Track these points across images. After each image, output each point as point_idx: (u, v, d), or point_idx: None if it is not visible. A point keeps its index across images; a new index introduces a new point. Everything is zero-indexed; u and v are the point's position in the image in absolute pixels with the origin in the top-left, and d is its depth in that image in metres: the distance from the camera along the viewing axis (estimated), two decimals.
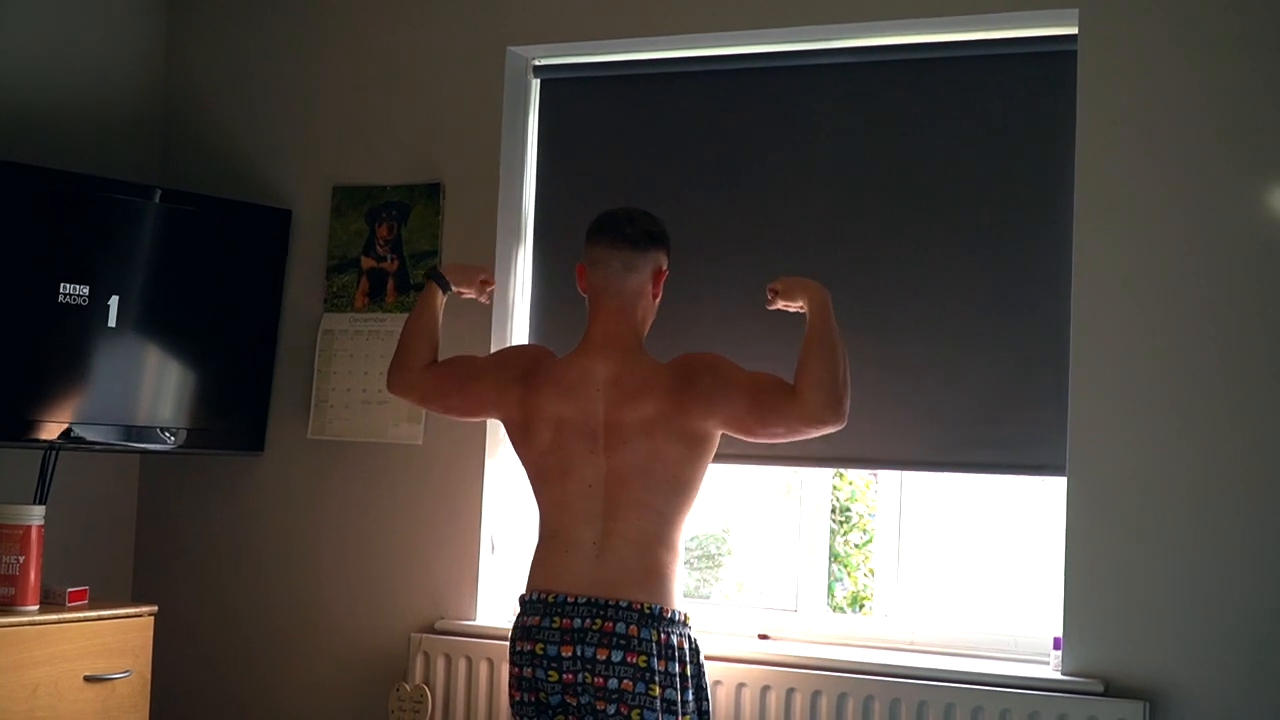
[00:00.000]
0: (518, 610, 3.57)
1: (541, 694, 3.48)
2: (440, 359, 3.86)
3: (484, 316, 4.33)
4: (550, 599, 3.49)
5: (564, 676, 3.44)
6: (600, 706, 3.41)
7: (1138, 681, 3.65)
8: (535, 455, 3.62)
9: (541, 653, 3.46)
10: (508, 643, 3.58)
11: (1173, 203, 3.74)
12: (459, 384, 3.78)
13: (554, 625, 3.46)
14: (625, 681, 3.40)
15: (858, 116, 4.16)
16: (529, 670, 3.48)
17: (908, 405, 4.02)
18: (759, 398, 3.54)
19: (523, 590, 3.59)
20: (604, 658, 3.41)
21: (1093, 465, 3.76)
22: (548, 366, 3.67)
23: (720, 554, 5.10)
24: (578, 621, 3.44)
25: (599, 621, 3.43)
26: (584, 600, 3.46)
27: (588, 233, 3.67)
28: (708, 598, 4.88)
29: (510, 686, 3.55)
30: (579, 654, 3.43)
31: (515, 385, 3.66)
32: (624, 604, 3.44)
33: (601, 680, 3.41)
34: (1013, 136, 4.00)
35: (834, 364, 3.52)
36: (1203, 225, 3.72)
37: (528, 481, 3.67)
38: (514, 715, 3.55)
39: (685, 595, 3.64)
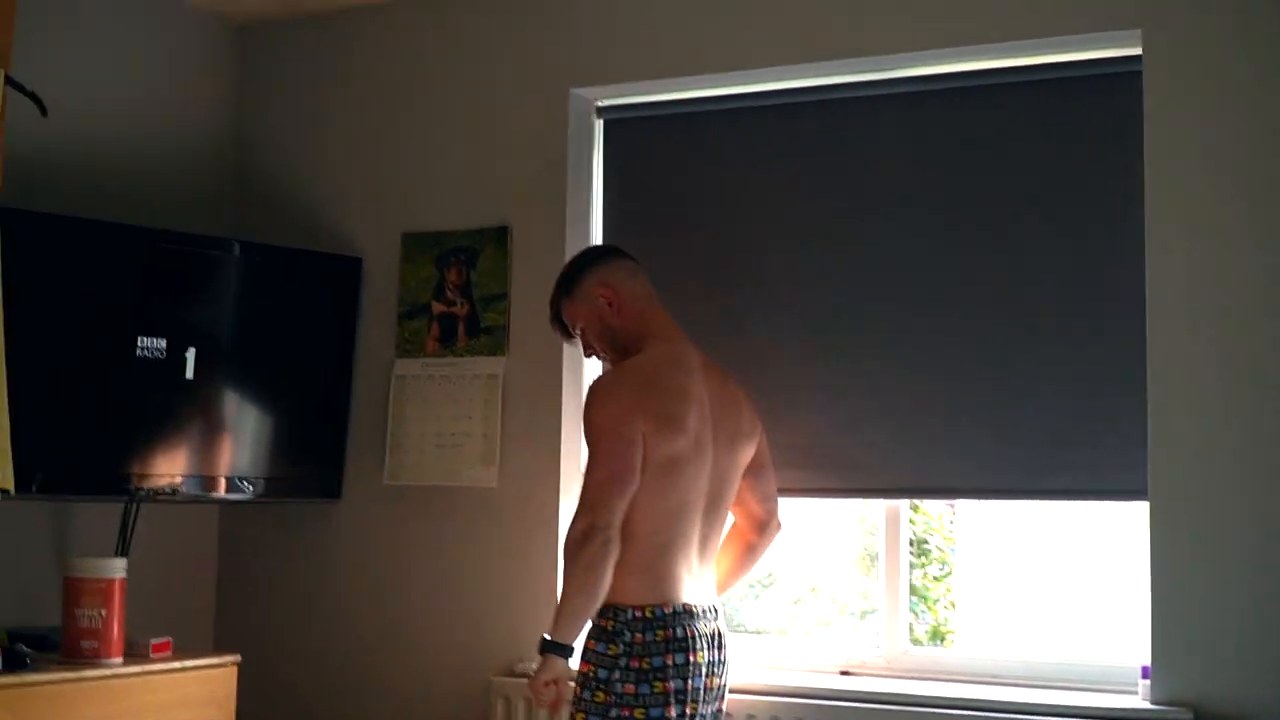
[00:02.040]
0: (645, 621, 3.55)
1: (694, 704, 3.58)
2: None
3: (555, 357, 4.33)
4: (694, 609, 3.62)
5: (707, 680, 3.62)
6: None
7: (1227, 709, 3.58)
8: (667, 463, 3.61)
9: (702, 660, 3.58)
10: (621, 659, 3.54)
11: (1245, 219, 3.70)
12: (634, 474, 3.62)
13: (704, 632, 3.61)
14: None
15: (921, 145, 4.15)
16: (689, 682, 3.56)
17: (984, 433, 3.99)
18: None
19: (643, 602, 3.57)
20: (723, 659, 3.68)
21: (1174, 488, 3.71)
22: (650, 380, 3.68)
23: (794, 589, 5.08)
24: (710, 626, 3.66)
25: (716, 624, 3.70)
26: (709, 606, 3.69)
27: (603, 257, 3.88)
28: (786, 633, 4.85)
29: (667, 704, 3.53)
30: (717, 658, 3.65)
31: (646, 421, 3.60)
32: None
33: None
34: (1080, 159, 3.96)
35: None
36: (1276, 241, 3.67)
37: (641, 491, 3.58)
38: None
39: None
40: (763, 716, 3.93)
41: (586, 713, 3.53)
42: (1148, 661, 3.71)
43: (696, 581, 3.69)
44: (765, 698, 3.93)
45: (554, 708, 3.57)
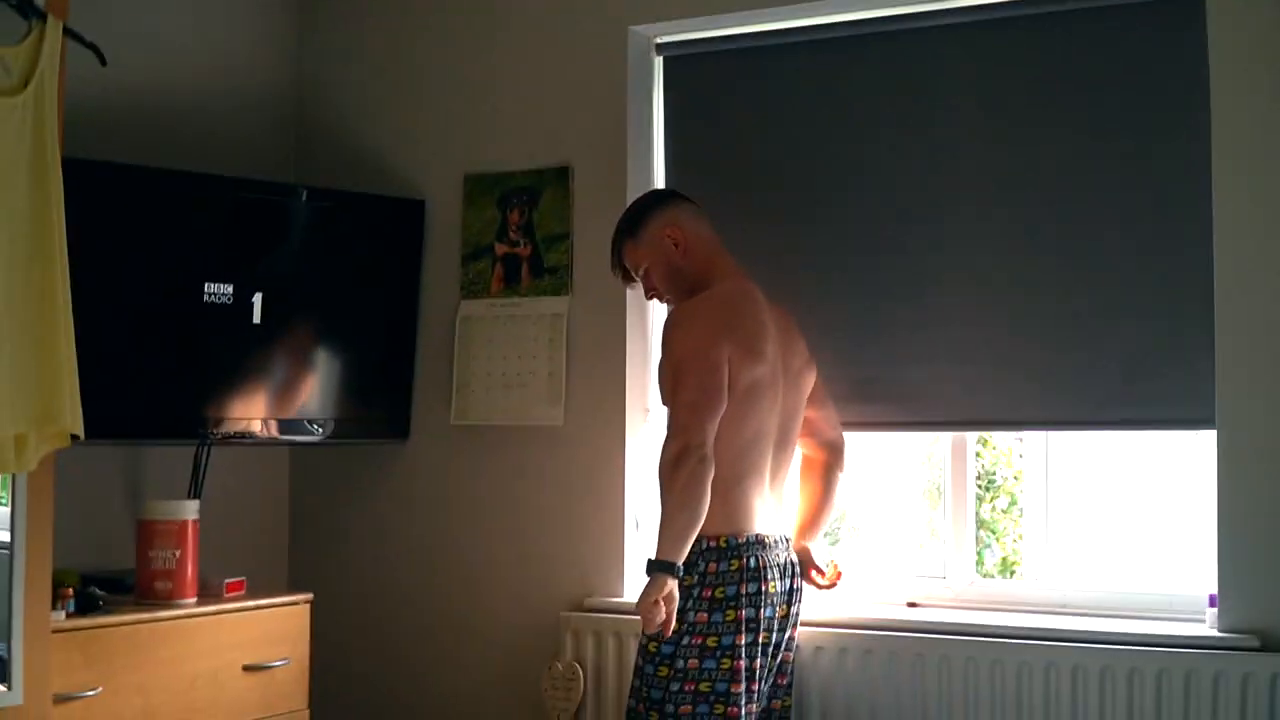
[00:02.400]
0: (719, 551, 3.61)
1: (767, 633, 3.65)
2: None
3: (618, 295, 4.34)
4: (766, 539, 3.69)
5: (780, 609, 3.72)
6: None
7: None
8: (746, 392, 3.67)
9: (774, 590, 3.66)
10: (695, 588, 3.60)
11: None
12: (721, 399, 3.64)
13: (776, 562, 3.68)
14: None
15: (986, 76, 4.10)
16: (760, 610, 3.63)
17: (1050, 365, 3.97)
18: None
19: (717, 532, 3.62)
20: (797, 586, 3.80)
21: (1243, 417, 3.68)
22: (731, 308, 3.74)
23: (856, 524, 5.08)
24: (782, 556, 3.74)
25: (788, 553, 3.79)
26: (781, 536, 3.77)
27: (667, 199, 3.94)
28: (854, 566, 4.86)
29: (738, 632, 3.59)
30: (790, 586, 3.75)
31: (730, 347, 3.66)
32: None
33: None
34: (1146, 86, 3.91)
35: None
36: None
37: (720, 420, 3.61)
38: (734, 657, 3.58)
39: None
40: (830, 648, 3.94)
41: (659, 640, 3.58)
42: (1215, 590, 3.69)
43: (769, 512, 3.74)
44: (833, 630, 3.94)
45: (664, 628, 3.56)
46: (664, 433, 3.64)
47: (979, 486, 4.90)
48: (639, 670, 3.67)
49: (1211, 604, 3.70)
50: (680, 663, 3.58)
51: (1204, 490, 3.79)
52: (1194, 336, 3.79)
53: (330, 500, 4.88)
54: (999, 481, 5.11)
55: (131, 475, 4.36)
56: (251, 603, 4.06)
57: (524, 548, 4.52)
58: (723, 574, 3.60)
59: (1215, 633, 3.65)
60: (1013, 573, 4.88)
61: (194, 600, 3.94)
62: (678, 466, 3.50)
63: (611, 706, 4.21)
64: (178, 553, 3.91)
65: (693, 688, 3.57)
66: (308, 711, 4.19)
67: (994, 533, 5.02)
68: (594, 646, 4.25)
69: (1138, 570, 4.45)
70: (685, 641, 3.58)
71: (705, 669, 3.57)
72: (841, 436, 4.01)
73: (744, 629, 3.59)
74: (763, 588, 3.62)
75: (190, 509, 3.98)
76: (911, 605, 4.10)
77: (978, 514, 4.18)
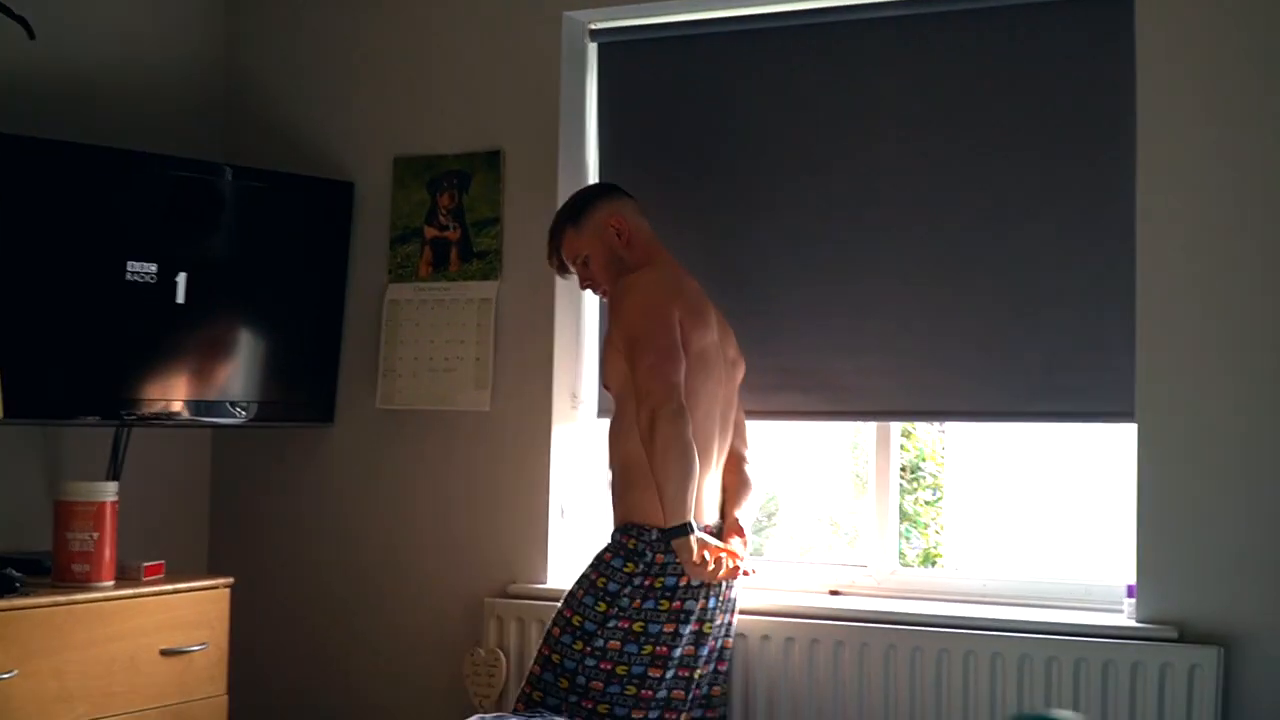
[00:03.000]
0: (665, 546, 3.60)
1: (709, 623, 3.67)
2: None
3: (548, 280, 4.32)
4: (712, 528, 3.74)
5: (724, 593, 3.74)
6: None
7: (1212, 627, 3.60)
8: (697, 359, 3.70)
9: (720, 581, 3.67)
10: (637, 576, 3.62)
11: (1235, 146, 3.68)
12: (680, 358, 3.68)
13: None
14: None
15: (917, 68, 4.12)
16: (703, 602, 3.65)
17: (975, 357, 3.99)
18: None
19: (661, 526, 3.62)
20: None
21: (1162, 411, 3.72)
22: (674, 279, 3.80)
23: (779, 512, 5.10)
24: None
25: None
26: (718, 522, 3.80)
27: (610, 192, 3.96)
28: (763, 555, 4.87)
29: (669, 621, 3.60)
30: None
31: (680, 309, 3.72)
32: None
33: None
34: (1076, 83, 3.94)
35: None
36: (1265, 168, 3.65)
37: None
38: (657, 644, 3.60)
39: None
40: (753, 635, 3.95)
41: (583, 616, 3.61)
42: (1133, 581, 3.73)
43: (713, 499, 3.77)
44: (756, 617, 3.95)
45: (732, 573, 3.63)
46: (637, 396, 3.59)
47: (904, 479, 4.92)
48: (551, 637, 3.67)
49: (1130, 595, 3.73)
50: (600, 642, 3.59)
51: (1124, 482, 3.82)
52: (1116, 331, 3.82)
53: (252, 484, 4.84)
54: (924, 476, 5.14)
55: (50, 456, 4.31)
56: (170, 586, 4.02)
57: (448, 534, 4.50)
58: (668, 565, 3.60)
59: (1134, 623, 3.69)
60: (934, 563, 4.91)
61: (112, 583, 3.89)
62: (656, 429, 3.50)
63: None
64: (96, 535, 3.86)
65: (609, 667, 3.58)
66: (226, 697, 4.15)
67: (916, 524, 5.05)
68: (517, 633, 4.24)
69: (1057, 561, 4.49)
70: (612, 624, 3.59)
71: (626, 653, 3.58)
72: (748, 455, 4.01)
73: (679, 619, 3.60)
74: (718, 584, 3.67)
75: (109, 490, 3.93)
76: (834, 593, 4.12)
77: (901, 505, 4.19)
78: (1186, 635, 3.61)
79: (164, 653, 3.95)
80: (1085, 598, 3.90)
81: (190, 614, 4.05)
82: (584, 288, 3.99)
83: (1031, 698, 3.67)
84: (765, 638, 3.95)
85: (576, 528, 4.41)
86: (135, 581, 3.97)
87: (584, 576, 3.70)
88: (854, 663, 3.86)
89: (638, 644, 3.59)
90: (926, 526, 5.06)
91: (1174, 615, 3.65)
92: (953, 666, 3.76)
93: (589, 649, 3.60)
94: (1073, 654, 3.65)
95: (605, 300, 3.98)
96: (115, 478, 4.15)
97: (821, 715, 3.90)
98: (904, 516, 4.28)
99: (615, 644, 3.59)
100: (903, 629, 3.83)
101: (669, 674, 3.62)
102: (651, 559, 3.61)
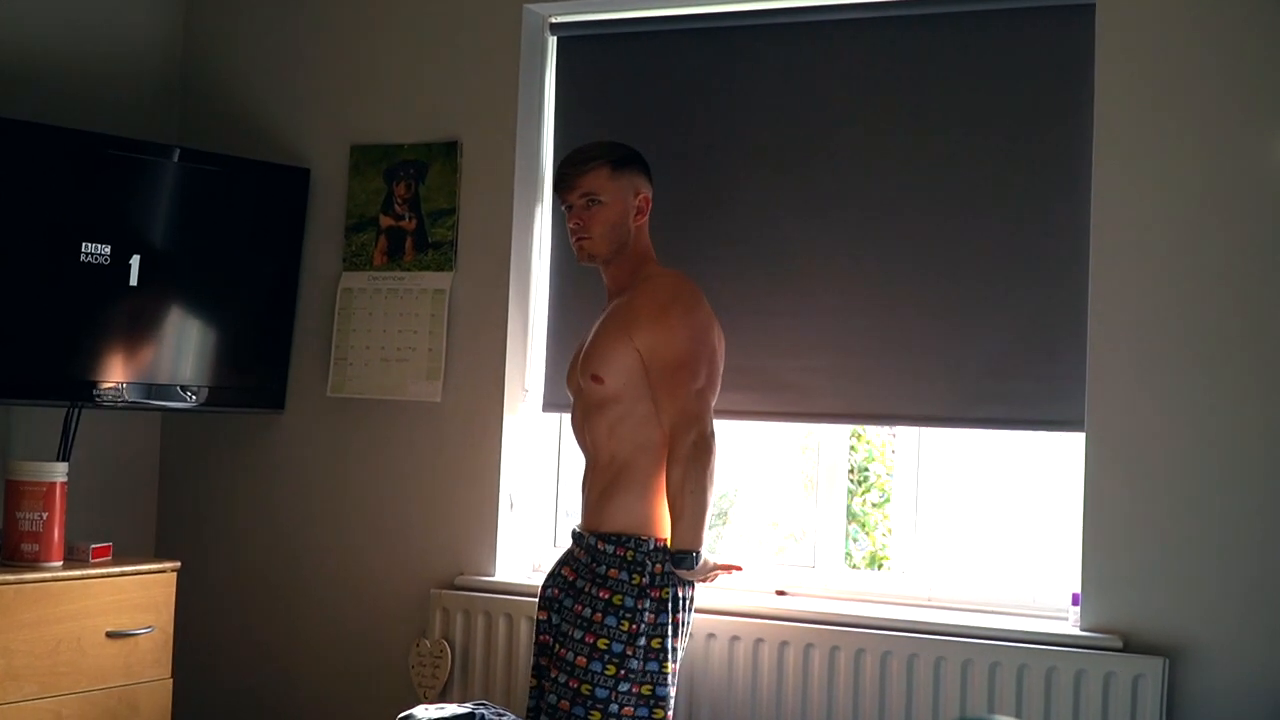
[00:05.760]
0: (665, 552, 3.62)
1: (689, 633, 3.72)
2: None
3: (502, 273, 4.33)
4: None
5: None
6: None
7: (1156, 637, 3.64)
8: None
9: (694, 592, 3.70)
10: (659, 588, 3.62)
11: (1191, 155, 3.72)
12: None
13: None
14: None
15: (874, 72, 4.14)
16: (688, 613, 3.68)
17: (925, 362, 4.01)
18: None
19: (659, 537, 3.64)
20: None
21: (1111, 420, 3.75)
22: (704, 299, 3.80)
23: (730, 512, 5.11)
24: None
25: None
26: None
27: (646, 167, 3.88)
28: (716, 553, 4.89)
29: (672, 635, 3.61)
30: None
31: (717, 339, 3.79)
32: None
33: None
34: (1030, 91, 3.97)
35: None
36: (1221, 178, 3.69)
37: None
38: (670, 660, 3.61)
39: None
40: (699, 634, 3.96)
41: (609, 638, 3.54)
42: (1078, 589, 3.76)
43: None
44: (701, 615, 3.96)
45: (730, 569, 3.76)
46: (679, 417, 3.59)
47: (853, 481, 4.95)
48: (576, 670, 3.55)
49: (1075, 602, 3.77)
50: (634, 663, 3.54)
51: (1071, 490, 3.85)
52: (1066, 339, 3.85)
53: (201, 468, 4.82)
54: (871, 478, 5.16)
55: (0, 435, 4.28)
56: (118, 569, 4.01)
57: (396, 523, 4.50)
58: (667, 576, 3.60)
59: (1078, 631, 3.72)
60: (880, 566, 4.94)
61: (60, 564, 3.90)
62: (696, 454, 3.53)
63: (478, 685, 4.21)
64: (45, 515, 3.85)
65: (637, 690, 3.54)
66: (170, 680, 4.14)
67: (864, 526, 5.08)
68: (463, 625, 4.25)
69: (1003, 567, 4.52)
70: (642, 644, 3.56)
71: (649, 671, 3.56)
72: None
73: (681, 631, 3.64)
74: (691, 592, 3.68)
75: (59, 471, 3.93)
76: (780, 594, 4.14)
77: (849, 507, 4.21)
78: (1131, 645, 3.64)
79: (110, 635, 3.94)
80: (1030, 605, 3.93)
81: (137, 597, 4.04)
82: (571, 230, 3.82)
83: (975, 703, 3.70)
84: (711, 636, 3.97)
85: (525, 520, 4.41)
86: (83, 563, 3.97)
87: (589, 597, 3.60)
88: (799, 663, 3.88)
89: (658, 661, 3.57)
90: (875, 529, 5.09)
91: (1119, 625, 3.68)
92: (897, 669, 3.78)
93: (623, 672, 3.53)
94: (1016, 660, 3.68)
95: (589, 264, 3.87)
96: (65, 458, 4.13)
97: (765, 715, 3.92)
98: (852, 518, 4.29)
99: (641, 665, 3.55)
100: (848, 630, 3.86)
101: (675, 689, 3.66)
102: (651, 569, 3.59)
